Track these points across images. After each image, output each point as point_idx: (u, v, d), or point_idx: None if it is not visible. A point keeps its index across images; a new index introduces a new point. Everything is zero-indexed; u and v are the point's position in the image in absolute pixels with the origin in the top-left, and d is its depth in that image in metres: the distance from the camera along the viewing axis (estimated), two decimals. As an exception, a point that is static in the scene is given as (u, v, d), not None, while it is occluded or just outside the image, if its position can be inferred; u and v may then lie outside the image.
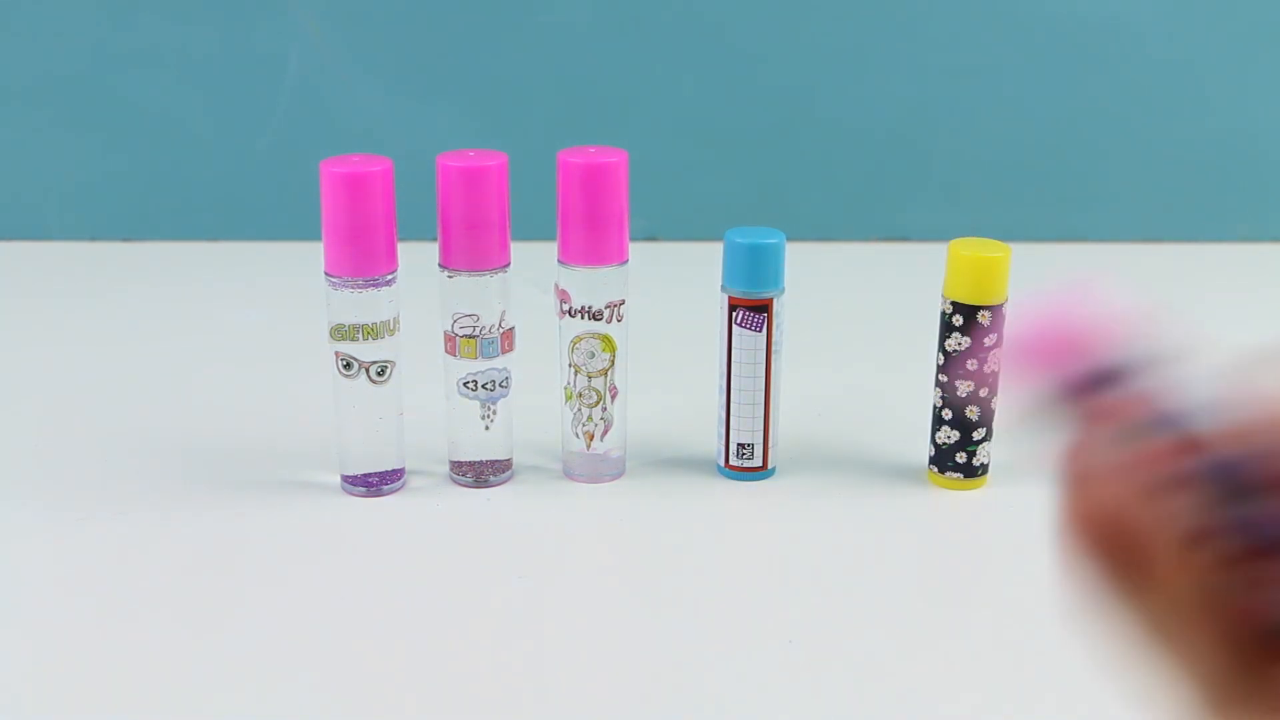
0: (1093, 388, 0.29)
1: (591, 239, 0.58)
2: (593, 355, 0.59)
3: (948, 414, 0.59)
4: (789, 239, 0.59)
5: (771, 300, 0.58)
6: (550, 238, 0.60)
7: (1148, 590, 0.27)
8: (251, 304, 0.85)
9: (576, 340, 0.59)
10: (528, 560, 0.55)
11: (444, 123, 0.94)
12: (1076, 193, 0.97)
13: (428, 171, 0.58)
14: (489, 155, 0.57)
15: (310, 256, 0.65)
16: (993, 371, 0.58)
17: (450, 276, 0.58)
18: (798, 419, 0.65)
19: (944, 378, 0.59)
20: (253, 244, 0.96)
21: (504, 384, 0.60)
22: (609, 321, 0.59)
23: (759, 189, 0.97)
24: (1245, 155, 0.96)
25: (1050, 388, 0.29)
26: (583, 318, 0.59)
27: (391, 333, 0.57)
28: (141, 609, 0.51)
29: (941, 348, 0.59)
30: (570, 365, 0.60)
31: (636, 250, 0.61)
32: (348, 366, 0.57)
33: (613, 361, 0.60)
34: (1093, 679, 0.38)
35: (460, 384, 0.59)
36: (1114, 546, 0.27)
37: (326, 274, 0.57)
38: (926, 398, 0.61)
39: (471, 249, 0.57)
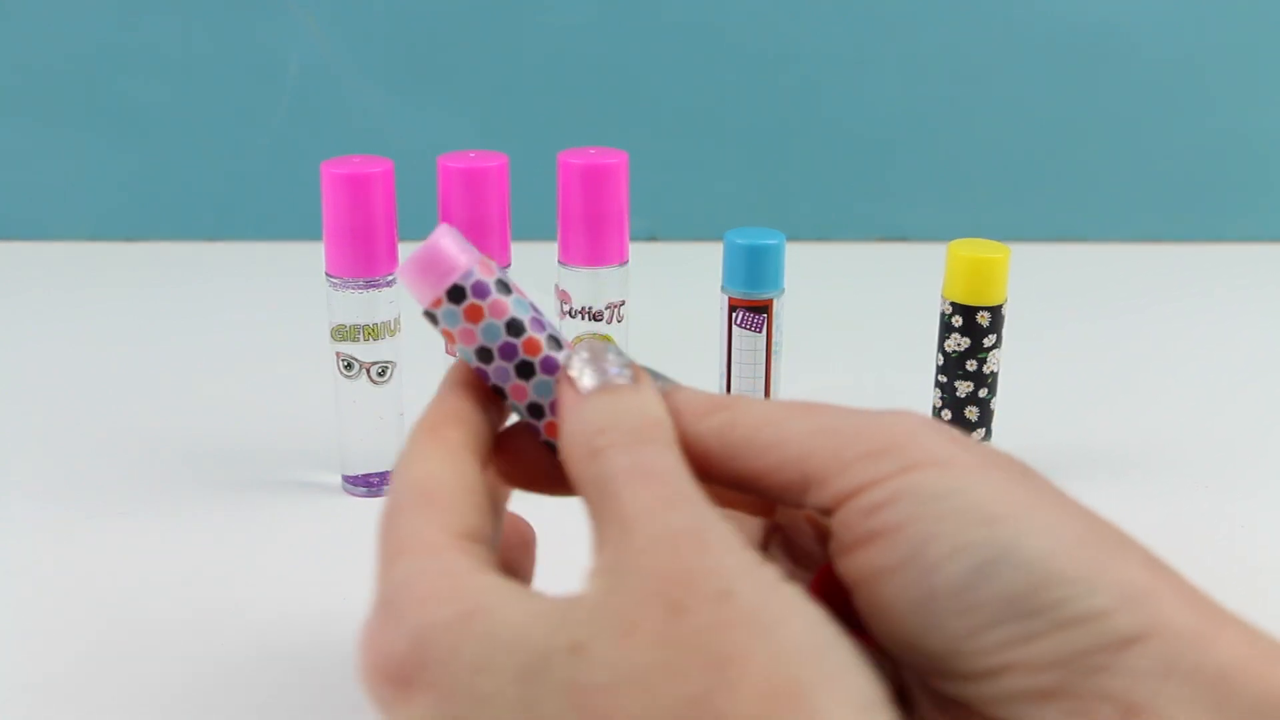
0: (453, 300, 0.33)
1: (591, 240, 0.58)
2: (593, 356, 0.59)
3: (947, 414, 0.59)
4: (789, 239, 0.59)
5: (771, 301, 0.58)
6: (550, 238, 0.60)
7: None
8: (251, 304, 0.85)
9: (576, 341, 0.59)
10: (528, 561, 0.55)
11: (444, 123, 0.94)
12: (1076, 193, 0.97)
13: (428, 172, 0.58)
14: (489, 156, 0.57)
15: (310, 256, 0.65)
16: (993, 372, 0.58)
17: (450, 277, 0.58)
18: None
19: (943, 378, 0.59)
20: (253, 244, 0.96)
21: (504, 384, 0.60)
22: (609, 322, 0.59)
23: (759, 189, 0.97)
24: (1245, 155, 0.96)
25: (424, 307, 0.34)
26: (583, 318, 0.59)
27: (392, 333, 0.58)
28: (140, 608, 0.51)
29: (941, 348, 0.59)
30: (570, 366, 0.60)
31: (636, 251, 0.61)
32: (349, 367, 0.57)
33: (613, 362, 0.60)
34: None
35: (460, 384, 0.59)
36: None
37: (327, 275, 0.57)
38: (926, 398, 0.61)
39: (472, 250, 0.57)
